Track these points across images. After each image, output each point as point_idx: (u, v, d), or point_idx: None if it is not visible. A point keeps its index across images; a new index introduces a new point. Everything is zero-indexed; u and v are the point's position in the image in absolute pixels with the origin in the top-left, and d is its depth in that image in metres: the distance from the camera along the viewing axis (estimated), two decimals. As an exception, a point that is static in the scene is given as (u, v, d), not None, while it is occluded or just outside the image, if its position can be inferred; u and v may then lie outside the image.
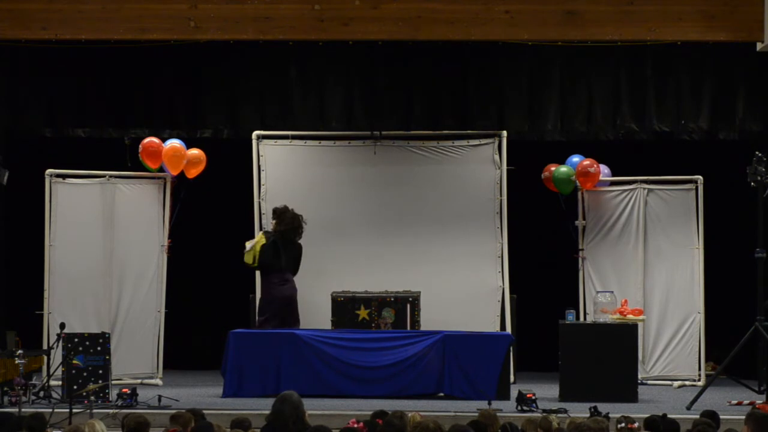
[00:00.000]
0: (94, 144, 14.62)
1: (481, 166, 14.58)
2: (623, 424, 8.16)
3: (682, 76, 14.14)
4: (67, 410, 10.49)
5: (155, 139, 13.99)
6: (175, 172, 14.13)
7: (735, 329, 12.93)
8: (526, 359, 14.57)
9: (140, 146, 13.92)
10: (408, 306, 13.51)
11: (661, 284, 14.39)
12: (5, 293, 15.03)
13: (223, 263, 15.64)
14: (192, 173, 14.27)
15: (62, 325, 12.59)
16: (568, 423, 8.45)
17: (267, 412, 8.70)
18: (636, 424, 8.19)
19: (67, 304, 13.78)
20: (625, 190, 14.54)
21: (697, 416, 9.28)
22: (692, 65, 14.07)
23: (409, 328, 13.43)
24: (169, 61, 14.12)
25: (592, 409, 10.62)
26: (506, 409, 11.67)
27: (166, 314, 14.24)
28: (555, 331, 12.90)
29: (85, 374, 12.37)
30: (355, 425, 8.20)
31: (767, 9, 12.02)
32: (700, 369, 14.21)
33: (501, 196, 14.51)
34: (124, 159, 14.12)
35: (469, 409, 11.45)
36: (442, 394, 12.83)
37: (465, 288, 14.35)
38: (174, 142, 14.10)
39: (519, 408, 11.81)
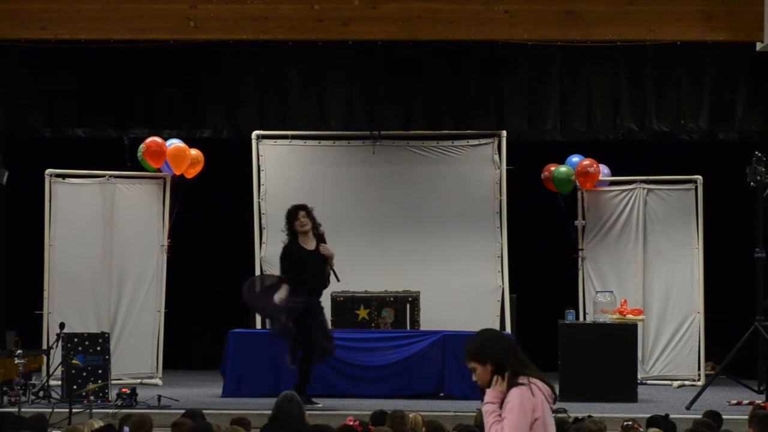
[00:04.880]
0: (94, 144, 14.62)
1: (481, 166, 14.58)
2: (630, 423, 8.21)
3: (682, 76, 14.14)
4: (67, 410, 10.50)
5: (158, 139, 14.00)
6: (178, 172, 14.16)
7: (735, 329, 12.93)
8: (526, 359, 14.53)
9: (143, 146, 13.92)
10: (408, 306, 13.51)
11: (660, 284, 14.39)
12: (5, 293, 15.03)
13: (223, 263, 15.64)
14: (191, 173, 14.30)
15: (62, 325, 12.59)
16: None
17: (267, 412, 8.72)
18: (641, 430, 8.22)
19: (67, 304, 13.78)
20: (625, 190, 14.55)
21: (697, 416, 9.28)
22: (692, 65, 14.07)
23: (408, 328, 13.42)
24: (168, 61, 14.11)
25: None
26: (506, 409, 11.64)
27: (166, 314, 14.25)
28: (555, 331, 12.90)
29: (84, 374, 12.37)
30: (352, 422, 8.22)
31: (767, 9, 12.01)
32: (699, 369, 14.21)
33: (501, 196, 14.51)
34: (123, 159, 14.13)
35: (469, 409, 11.44)
36: (442, 394, 12.83)
37: (465, 288, 14.35)
38: (177, 142, 14.12)
39: (519, 408, 11.79)
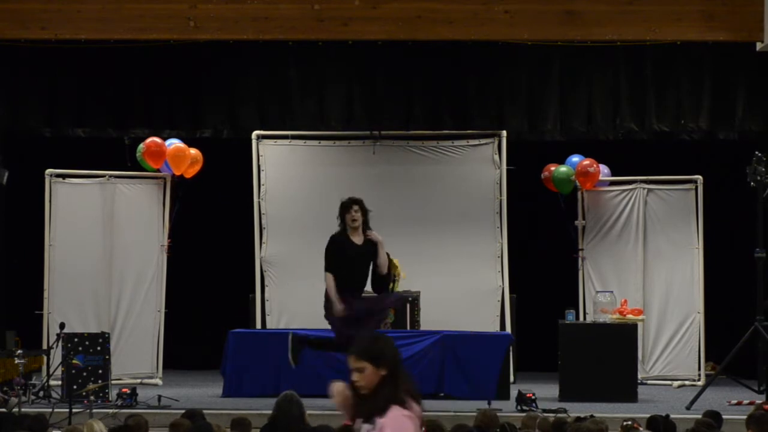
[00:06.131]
0: (94, 144, 14.62)
1: (481, 166, 14.58)
2: (629, 423, 8.22)
3: (682, 76, 14.14)
4: (67, 410, 10.50)
5: (158, 139, 14.00)
6: (178, 172, 14.16)
7: (735, 329, 12.94)
8: (526, 359, 14.57)
9: (142, 146, 13.92)
10: (408, 306, 13.51)
11: (660, 284, 14.39)
12: (5, 293, 15.03)
13: (223, 263, 15.65)
14: (190, 173, 14.30)
15: (62, 325, 12.58)
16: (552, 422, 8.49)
17: (267, 412, 8.72)
18: (641, 430, 8.22)
19: (67, 304, 13.78)
20: (625, 190, 14.55)
21: (697, 416, 9.29)
22: (692, 65, 14.07)
23: (408, 328, 13.42)
24: (169, 61, 14.11)
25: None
26: (506, 409, 11.67)
27: (166, 314, 14.25)
28: (555, 331, 12.90)
29: (84, 374, 12.37)
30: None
31: (767, 9, 12.02)
32: (699, 369, 14.22)
33: (501, 196, 14.51)
34: (124, 159, 14.13)
35: (469, 409, 11.44)
36: (442, 394, 12.83)
37: (465, 288, 14.35)
38: (177, 142, 14.13)
39: (519, 408, 11.81)
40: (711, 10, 12.19)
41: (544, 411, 11.38)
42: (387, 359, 5.09)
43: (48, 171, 13.88)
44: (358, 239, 11.85)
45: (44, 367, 13.25)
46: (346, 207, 11.83)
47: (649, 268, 14.42)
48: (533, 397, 11.87)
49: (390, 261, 12.22)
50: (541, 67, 14.23)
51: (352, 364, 5.10)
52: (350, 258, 11.76)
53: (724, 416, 9.33)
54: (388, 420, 4.97)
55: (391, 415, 4.98)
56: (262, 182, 14.62)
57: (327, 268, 11.77)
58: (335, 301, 11.65)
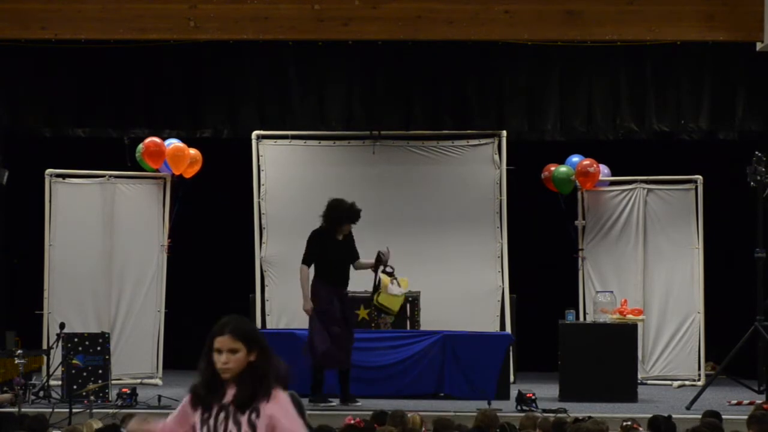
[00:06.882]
0: (94, 144, 14.61)
1: (481, 166, 14.58)
2: (629, 423, 8.23)
3: (682, 76, 14.12)
4: (67, 410, 10.50)
5: (157, 139, 14.00)
6: (177, 172, 14.17)
7: (735, 329, 12.93)
8: (526, 359, 14.56)
9: (141, 146, 13.92)
10: (408, 306, 13.51)
11: (660, 284, 14.39)
12: (5, 293, 15.03)
13: (223, 263, 15.64)
14: (189, 173, 14.30)
15: (62, 325, 12.58)
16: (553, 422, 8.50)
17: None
18: (641, 430, 8.23)
19: (67, 304, 13.78)
20: (625, 190, 14.55)
21: (697, 416, 9.30)
22: (692, 65, 14.06)
23: (409, 328, 13.42)
24: (168, 61, 14.10)
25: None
26: (506, 409, 11.67)
27: (166, 314, 14.25)
28: (555, 331, 12.90)
29: (84, 374, 12.37)
30: (352, 422, 8.23)
31: (767, 9, 12.02)
32: (699, 369, 14.22)
33: (501, 196, 14.51)
34: (124, 159, 14.13)
35: (469, 409, 11.45)
36: (442, 394, 12.83)
37: (465, 288, 14.34)
38: (176, 142, 14.13)
39: (519, 408, 11.82)
40: (711, 10, 12.19)
41: (544, 411, 11.39)
42: (259, 344, 4.89)
43: (48, 171, 13.88)
44: (339, 236, 12.26)
45: (44, 367, 13.24)
46: (354, 217, 12.21)
47: (649, 268, 14.42)
48: (533, 397, 11.88)
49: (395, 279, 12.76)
50: (541, 67, 14.21)
51: (227, 344, 4.86)
52: (332, 254, 12.15)
53: (724, 416, 9.34)
54: (276, 403, 4.88)
55: (278, 397, 4.88)
56: (262, 182, 14.62)
57: (304, 261, 12.18)
58: (305, 298, 12.09)
